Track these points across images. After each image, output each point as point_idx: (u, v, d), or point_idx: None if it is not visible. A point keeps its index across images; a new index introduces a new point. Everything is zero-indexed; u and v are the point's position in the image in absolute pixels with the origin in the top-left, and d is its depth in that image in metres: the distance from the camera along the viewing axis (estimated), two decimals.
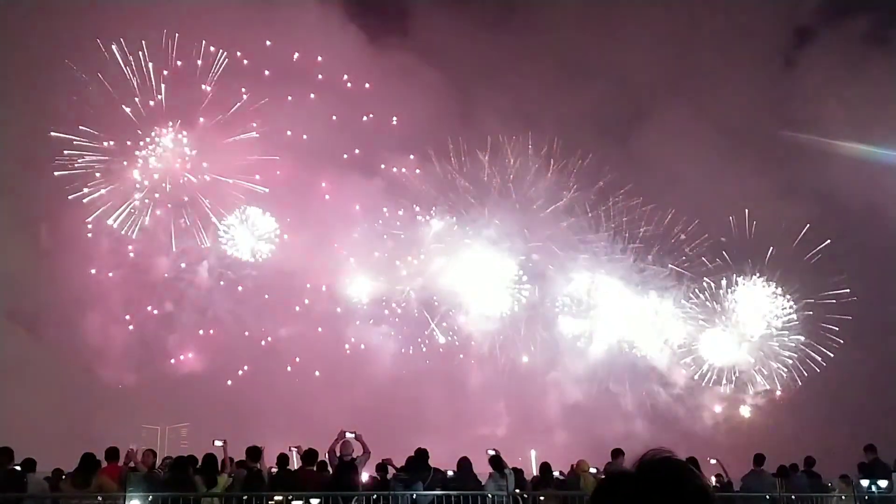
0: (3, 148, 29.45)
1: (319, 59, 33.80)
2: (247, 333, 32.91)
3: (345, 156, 34.00)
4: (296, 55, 33.62)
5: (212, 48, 31.79)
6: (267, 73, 33.41)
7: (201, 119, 32.41)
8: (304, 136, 33.17)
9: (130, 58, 30.34)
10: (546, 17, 37.30)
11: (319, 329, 33.94)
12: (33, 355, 28.34)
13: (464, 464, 14.91)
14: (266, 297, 33.19)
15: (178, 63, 31.55)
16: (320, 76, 33.99)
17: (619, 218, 35.24)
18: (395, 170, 34.79)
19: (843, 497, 17.30)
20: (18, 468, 12.81)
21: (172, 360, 32.26)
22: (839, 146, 34.26)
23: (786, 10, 36.93)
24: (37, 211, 31.13)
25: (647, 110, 37.81)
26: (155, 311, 32.41)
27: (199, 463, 14.08)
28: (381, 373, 33.80)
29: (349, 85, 34.48)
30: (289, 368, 33.06)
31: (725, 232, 35.59)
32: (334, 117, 33.82)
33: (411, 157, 34.76)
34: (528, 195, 34.97)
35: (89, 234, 31.26)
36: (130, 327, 31.77)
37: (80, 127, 30.11)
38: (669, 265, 35.39)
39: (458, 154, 34.31)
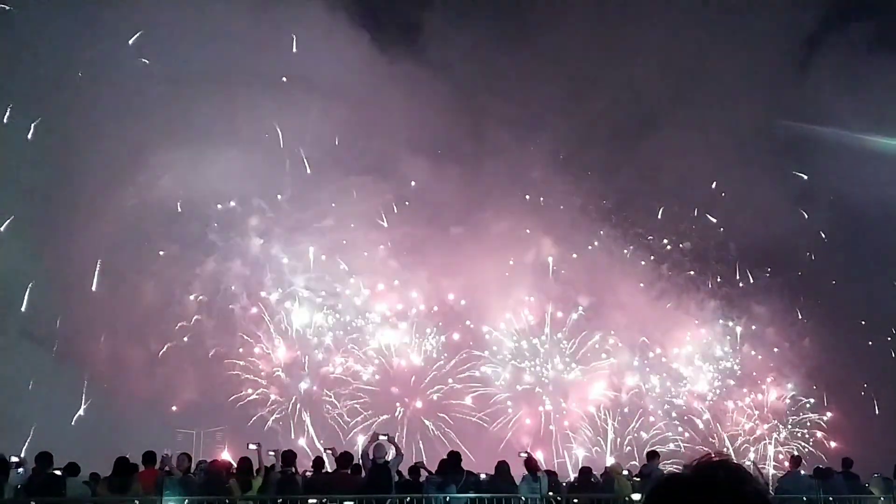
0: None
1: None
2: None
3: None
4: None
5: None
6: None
7: None
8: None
9: None
10: (555, 28, 37.22)
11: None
12: (61, 370, 28.48)
13: (502, 467, 14.83)
14: None
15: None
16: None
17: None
18: None
19: (882, 499, 17.00)
20: (59, 472, 12.94)
21: None
22: (852, 142, 34.01)
23: (793, 16, 36.69)
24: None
25: (657, 119, 37.71)
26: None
27: (234, 466, 14.18)
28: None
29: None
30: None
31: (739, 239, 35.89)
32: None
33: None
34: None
35: None
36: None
37: None
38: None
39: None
